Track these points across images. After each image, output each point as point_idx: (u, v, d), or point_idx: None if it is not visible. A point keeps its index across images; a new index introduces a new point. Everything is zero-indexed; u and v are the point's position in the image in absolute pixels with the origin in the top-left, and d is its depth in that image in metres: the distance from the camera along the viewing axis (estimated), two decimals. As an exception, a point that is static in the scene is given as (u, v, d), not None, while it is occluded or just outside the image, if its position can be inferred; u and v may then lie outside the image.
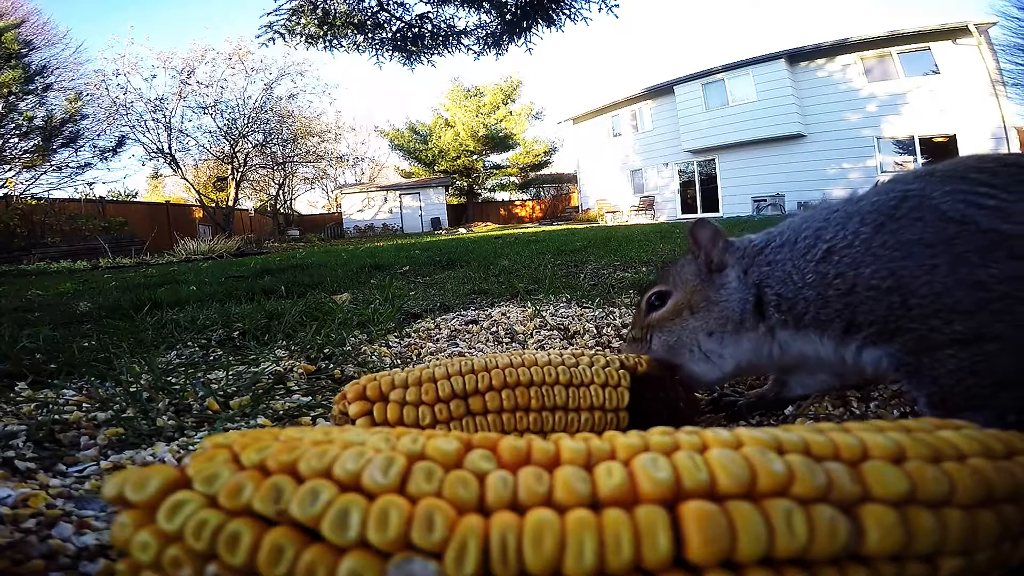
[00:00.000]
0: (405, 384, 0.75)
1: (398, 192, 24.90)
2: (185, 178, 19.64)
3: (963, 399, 0.66)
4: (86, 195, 16.01)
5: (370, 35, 6.66)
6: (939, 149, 13.16)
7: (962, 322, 0.64)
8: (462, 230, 19.23)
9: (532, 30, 6.49)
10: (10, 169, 14.23)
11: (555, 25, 6.38)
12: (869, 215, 0.72)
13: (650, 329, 0.89)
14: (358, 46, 6.73)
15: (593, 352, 0.86)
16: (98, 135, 16.75)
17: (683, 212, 17.93)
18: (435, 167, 28.18)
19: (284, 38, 6.45)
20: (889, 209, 0.70)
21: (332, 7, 6.22)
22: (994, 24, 12.34)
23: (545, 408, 0.78)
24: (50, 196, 14.30)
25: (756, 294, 0.80)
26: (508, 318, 1.76)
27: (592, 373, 0.81)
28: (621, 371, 0.83)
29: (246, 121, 20.13)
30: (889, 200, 0.72)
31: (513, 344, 1.48)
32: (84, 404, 1.02)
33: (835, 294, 0.71)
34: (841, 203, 0.79)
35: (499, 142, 27.50)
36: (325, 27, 6.30)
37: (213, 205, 19.48)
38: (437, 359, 1.34)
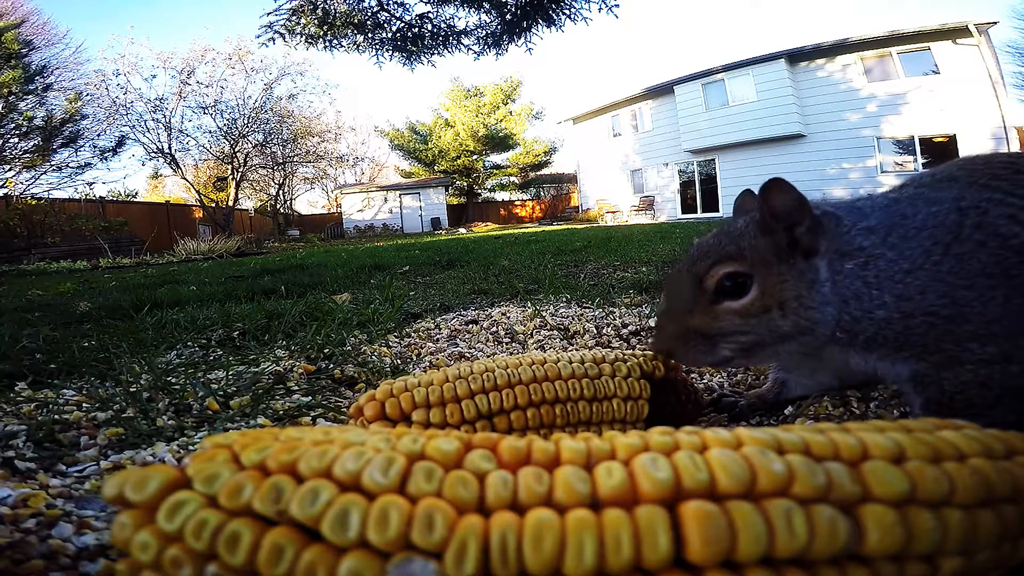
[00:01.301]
0: (427, 403, 0.74)
1: (398, 192, 24.89)
2: (185, 178, 19.64)
3: (962, 406, 0.66)
4: (86, 195, 16.02)
5: (370, 35, 6.66)
6: (939, 149, 13.17)
7: (997, 345, 0.64)
8: (462, 230, 19.23)
9: (532, 30, 6.50)
10: (10, 169, 14.24)
11: (555, 25, 6.38)
12: (937, 231, 0.67)
13: (720, 322, 0.70)
14: (358, 46, 6.73)
15: (614, 357, 0.84)
16: (98, 135, 16.78)
17: (683, 212, 17.92)
18: (435, 167, 28.18)
19: (284, 38, 6.45)
20: (954, 226, 0.67)
21: (332, 7, 6.22)
22: (995, 24, 12.34)
23: (569, 424, 0.77)
24: (50, 196, 14.31)
25: (839, 312, 0.68)
26: (508, 318, 1.76)
27: (615, 385, 0.80)
28: (641, 381, 0.82)
29: (246, 121, 20.14)
30: (950, 214, 0.68)
31: (513, 344, 1.48)
32: (84, 404, 1.02)
33: (899, 317, 0.66)
34: (909, 205, 0.71)
35: (499, 142, 27.50)
36: (325, 27, 6.30)
37: (213, 205, 19.49)
38: (437, 359, 1.34)
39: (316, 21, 6.22)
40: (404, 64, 7.07)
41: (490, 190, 30.65)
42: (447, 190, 26.55)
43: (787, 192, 0.68)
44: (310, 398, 1.06)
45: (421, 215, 24.42)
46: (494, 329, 1.62)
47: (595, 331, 1.54)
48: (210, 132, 20.16)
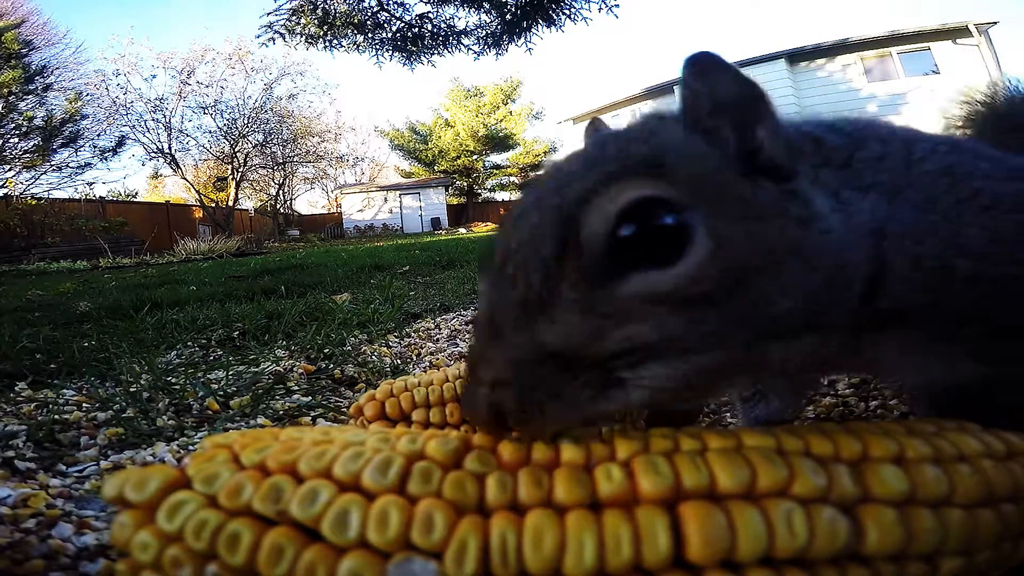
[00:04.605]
0: (427, 403, 0.73)
1: (398, 192, 24.89)
2: (185, 178, 19.66)
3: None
4: (86, 195, 16.03)
5: (370, 35, 6.67)
6: (939, 149, 13.15)
7: None
8: (462, 230, 19.22)
9: (532, 30, 6.50)
10: (10, 169, 14.24)
11: (555, 25, 6.39)
12: None
13: (627, 325, 0.35)
14: (358, 46, 6.74)
15: None
16: (98, 135, 16.81)
17: (683, 212, 17.92)
18: (435, 167, 28.17)
19: (284, 38, 6.46)
20: None
21: (332, 7, 6.22)
22: (995, 24, 12.34)
23: None
24: (50, 196, 14.33)
25: (876, 251, 0.40)
26: (508, 318, 1.76)
27: None
28: None
29: (246, 121, 20.16)
30: None
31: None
32: (84, 404, 1.02)
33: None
34: None
35: (499, 142, 27.50)
36: (325, 27, 6.31)
37: (213, 205, 19.49)
38: (437, 359, 1.34)
39: (316, 21, 6.22)
40: (404, 64, 7.08)
41: (490, 190, 30.63)
42: (447, 190, 26.54)
43: (723, 71, 0.39)
44: (310, 398, 1.06)
45: (421, 215, 24.40)
46: (494, 329, 1.62)
47: (595, 331, 1.54)
48: (210, 132, 20.23)
